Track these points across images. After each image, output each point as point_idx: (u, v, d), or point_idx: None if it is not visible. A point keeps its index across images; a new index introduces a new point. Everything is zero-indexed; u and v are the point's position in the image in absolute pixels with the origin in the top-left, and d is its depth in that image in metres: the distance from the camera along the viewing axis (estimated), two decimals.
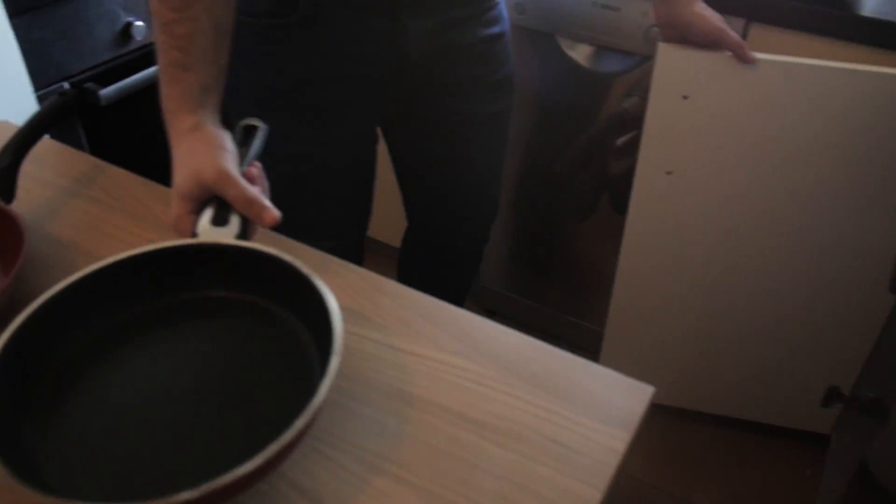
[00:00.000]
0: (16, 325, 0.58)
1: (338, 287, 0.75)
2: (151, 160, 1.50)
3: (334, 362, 0.55)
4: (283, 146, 1.05)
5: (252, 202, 0.68)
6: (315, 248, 0.80)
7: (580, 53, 1.47)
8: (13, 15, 1.28)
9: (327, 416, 0.61)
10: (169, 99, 0.76)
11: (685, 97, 1.16)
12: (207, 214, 0.69)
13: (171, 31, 0.75)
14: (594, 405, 0.63)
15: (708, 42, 1.10)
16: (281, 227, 0.70)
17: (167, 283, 0.67)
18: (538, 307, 1.86)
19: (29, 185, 0.90)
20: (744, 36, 1.29)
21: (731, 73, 1.13)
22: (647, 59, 1.39)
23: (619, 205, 1.42)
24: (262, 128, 0.79)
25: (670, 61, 1.13)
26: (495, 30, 1.12)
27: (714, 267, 1.36)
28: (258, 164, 0.77)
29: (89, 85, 1.44)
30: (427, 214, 1.36)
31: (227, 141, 0.74)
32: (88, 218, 0.86)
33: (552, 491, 0.56)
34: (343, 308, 0.72)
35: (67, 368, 0.61)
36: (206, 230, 0.68)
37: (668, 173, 1.25)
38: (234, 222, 0.69)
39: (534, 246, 1.79)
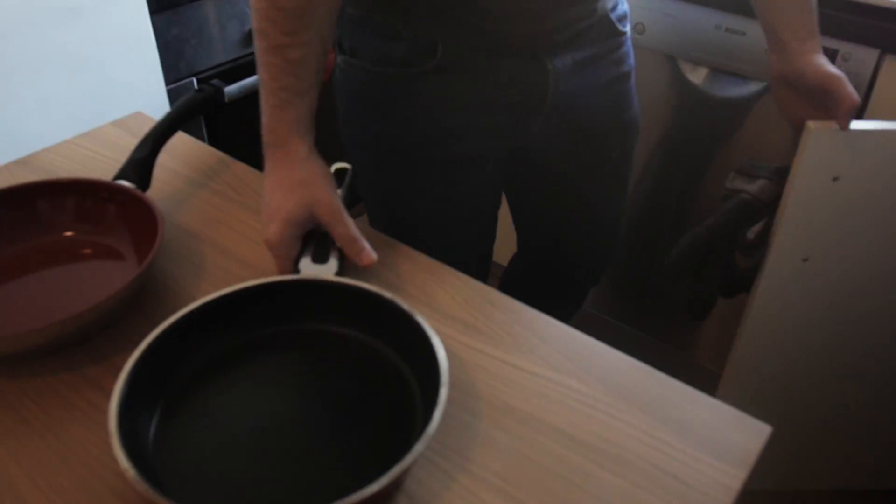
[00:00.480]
0: (143, 347, 0.61)
1: (450, 297, 0.76)
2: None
3: (443, 393, 0.57)
4: (406, 202, 1.04)
5: (355, 241, 0.73)
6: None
7: (698, 76, 1.43)
8: (154, 12, 1.34)
9: (439, 425, 0.61)
10: (281, 124, 0.76)
11: (835, 179, 1.04)
12: (309, 252, 0.74)
13: (285, 56, 0.74)
14: (707, 439, 0.61)
15: (819, 91, 0.96)
16: None
17: (273, 314, 0.69)
18: (631, 331, 1.82)
19: (160, 175, 0.94)
20: (877, 69, 1.24)
21: (887, 149, 1.02)
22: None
23: (729, 291, 1.30)
24: (350, 171, 0.83)
25: (822, 141, 1.00)
26: (624, 69, 1.07)
27: (840, 352, 1.27)
28: None
29: (215, 82, 1.50)
30: (538, 249, 1.31)
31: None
32: (213, 210, 0.89)
33: None
34: (455, 319, 0.73)
35: (182, 388, 0.64)
36: (308, 266, 0.73)
37: (804, 260, 1.13)
38: (333, 260, 0.74)
39: (633, 270, 1.76)
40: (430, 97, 0.95)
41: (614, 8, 1.01)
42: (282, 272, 0.74)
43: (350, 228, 0.73)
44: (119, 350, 0.69)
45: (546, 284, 1.34)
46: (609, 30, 1.01)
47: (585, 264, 1.30)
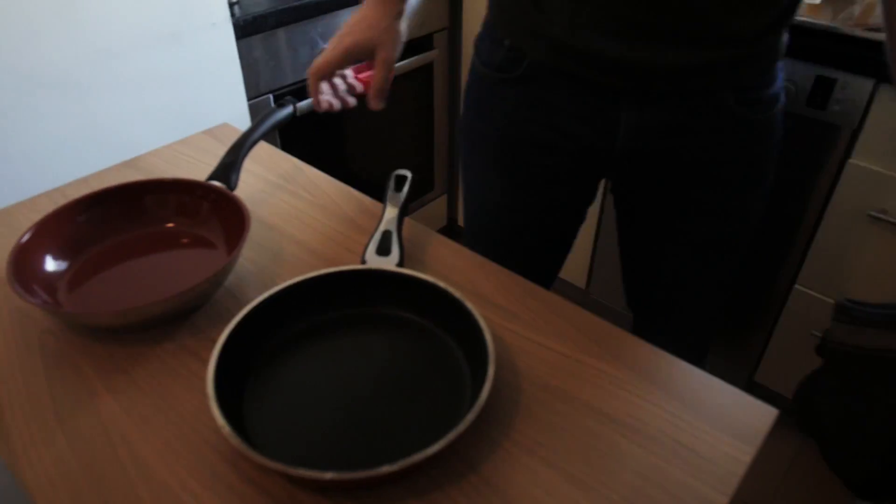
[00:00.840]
0: (233, 324, 0.62)
1: (494, 288, 0.76)
2: (328, 162, 1.55)
3: (491, 370, 0.58)
4: (484, 193, 1.01)
5: (388, 80, 0.84)
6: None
7: None
8: (239, 38, 1.36)
9: (487, 397, 0.62)
10: None
11: None
12: (373, 245, 0.75)
13: None
14: (722, 418, 0.61)
15: None
16: None
17: (342, 298, 0.70)
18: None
19: (245, 177, 0.96)
20: (872, 96, 1.21)
21: None
22: None
23: None
24: (409, 178, 0.83)
25: None
26: (754, 146, 0.83)
27: None
28: None
29: (288, 98, 1.52)
30: (646, 317, 1.07)
31: None
32: (290, 208, 0.90)
33: (682, 490, 0.55)
34: (498, 307, 0.74)
35: (266, 359, 0.65)
36: (373, 258, 0.74)
37: None
38: (395, 252, 0.74)
39: None
40: (515, 105, 0.90)
41: (746, 88, 0.78)
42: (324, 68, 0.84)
43: (392, 66, 0.83)
44: (213, 325, 0.71)
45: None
46: (719, 109, 0.79)
47: (682, 344, 1.01)
